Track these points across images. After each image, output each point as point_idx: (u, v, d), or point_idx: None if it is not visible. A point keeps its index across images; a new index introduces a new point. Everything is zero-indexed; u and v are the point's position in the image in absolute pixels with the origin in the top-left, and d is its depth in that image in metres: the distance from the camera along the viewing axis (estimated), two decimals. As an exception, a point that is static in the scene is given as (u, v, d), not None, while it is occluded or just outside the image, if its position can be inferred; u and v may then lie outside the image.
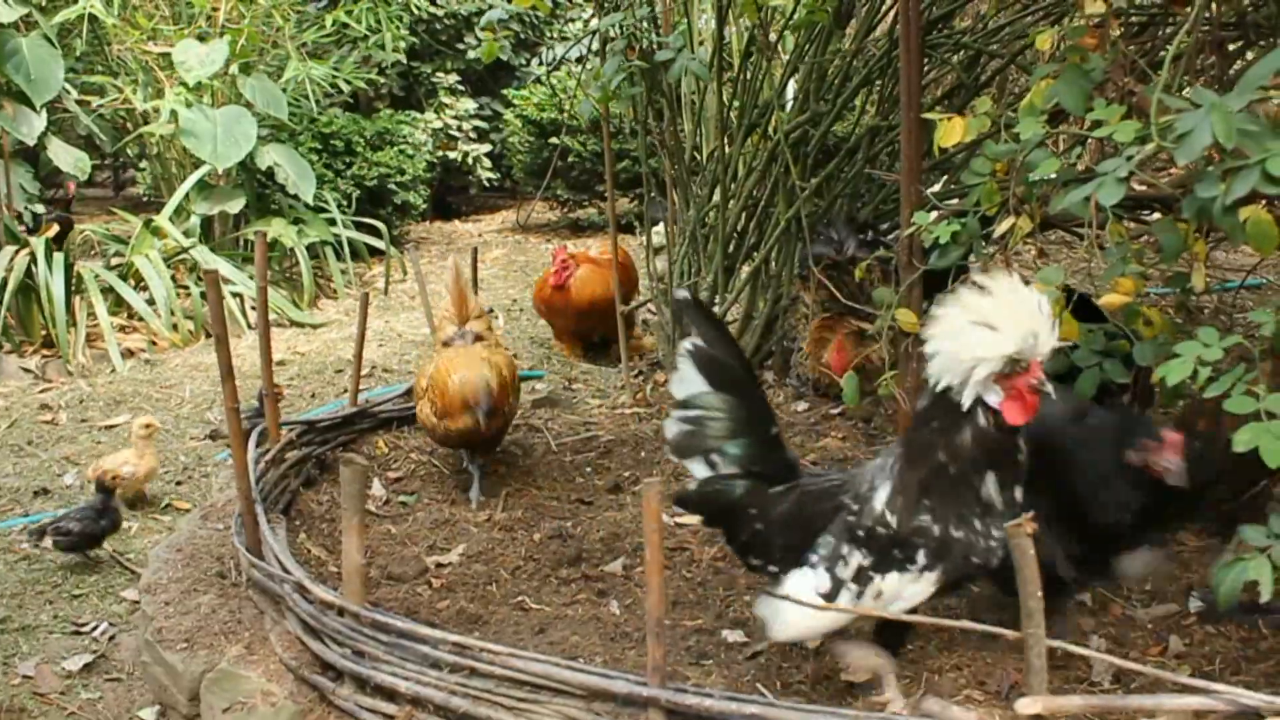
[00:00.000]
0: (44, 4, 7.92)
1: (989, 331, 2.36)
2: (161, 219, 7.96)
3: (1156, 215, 4.42)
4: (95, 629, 4.06)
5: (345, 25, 9.54)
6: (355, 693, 2.85)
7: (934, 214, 3.22)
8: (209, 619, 3.40)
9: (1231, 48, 3.82)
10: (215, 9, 8.55)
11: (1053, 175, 2.87)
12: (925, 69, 4.53)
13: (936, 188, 4.60)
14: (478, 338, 4.31)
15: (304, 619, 3.04)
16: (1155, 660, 2.82)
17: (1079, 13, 2.90)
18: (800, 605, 2.54)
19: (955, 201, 3.34)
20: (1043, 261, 3.09)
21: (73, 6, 8.00)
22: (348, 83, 9.62)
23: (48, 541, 4.46)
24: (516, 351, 6.71)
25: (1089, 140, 3.01)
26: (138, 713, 3.55)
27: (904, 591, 2.52)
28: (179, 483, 5.22)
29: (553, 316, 6.62)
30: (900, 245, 3.42)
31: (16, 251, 7.10)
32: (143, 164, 10.03)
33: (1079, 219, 2.72)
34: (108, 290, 7.36)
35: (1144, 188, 3.59)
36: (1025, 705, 2.11)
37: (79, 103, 8.63)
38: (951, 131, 3.05)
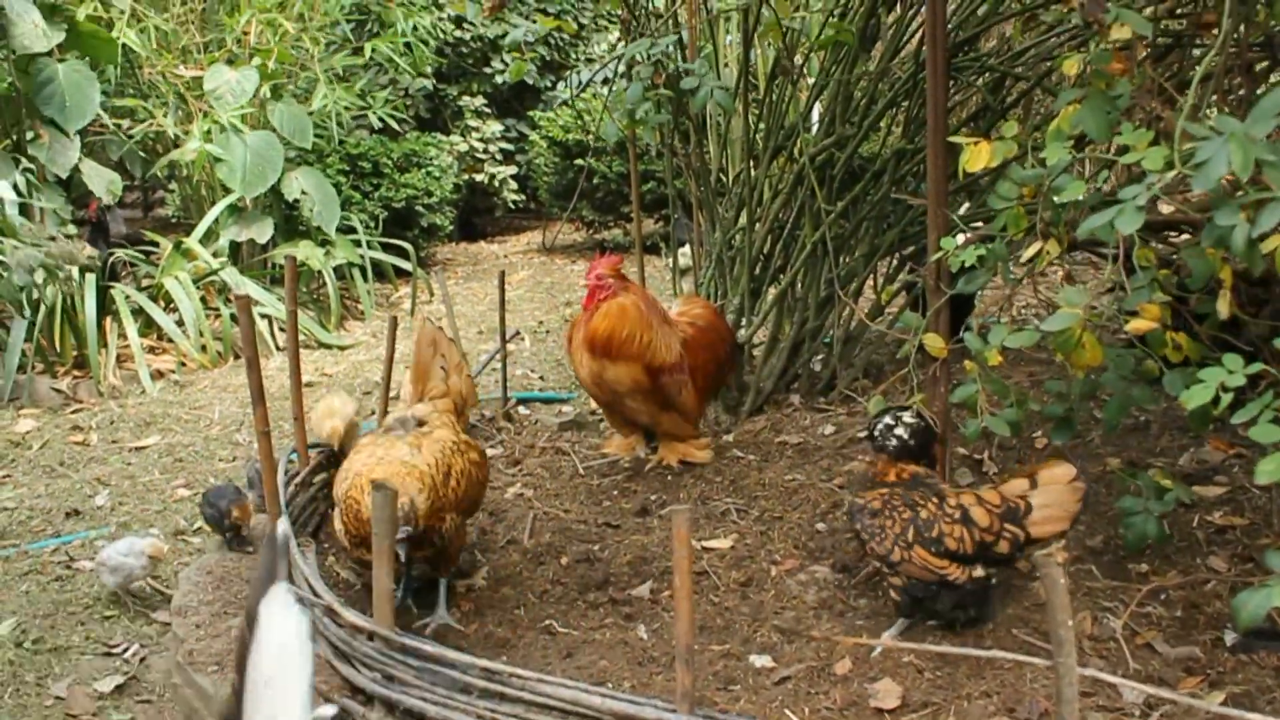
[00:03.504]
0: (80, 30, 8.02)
1: None
2: (191, 241, 8.03)
3: (1186, 237, 4.41)
4: (126, 650, 4.09)
5: (375, 50, 9.64)
6: (385, 717, 2.86)
7: (961, 238, 3.23)
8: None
9: (1259, 69, 3.81)
10: (245, 33, 8.64)
11: (1080, 199, 2.87)
12: (951, 91, 4.54)
13: (962, 211, 4.61)
14: (420, 423, 3.56)
15: (334, 643, 3.05)
16: (1188, 690, 2.80)
17: (1105, 37, 2.90)
18: None
19: (982, 225, 3.34)
20: (1070, 285, 3.08)
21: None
22: (380, 118, 9.72)
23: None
24: (543, 374, 6.74)
25: (1116, 163, 3.01)
26: (168, 735, 3.57)
27: None
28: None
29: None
30: (927, 269, 3.42)
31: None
32: (172, 185, 10.13)
33: (1106, 242, 2.71)
34: (138, 312, 7.43)
35: (1172, 210, 3.58)
36: (1056, 735, 2.10)
37: (110, 126, 8.73)
38: (978, 156, 3.06)
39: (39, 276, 6.75)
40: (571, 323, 4.54)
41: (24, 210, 7.43)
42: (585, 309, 4.39)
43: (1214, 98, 3.33)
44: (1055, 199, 2.90)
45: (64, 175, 7.81)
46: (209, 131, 8.04)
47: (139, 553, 4.33)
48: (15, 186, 7.12)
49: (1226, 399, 2.42)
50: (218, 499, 4.15)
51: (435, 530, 3.29)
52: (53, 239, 6.81)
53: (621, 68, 5.49)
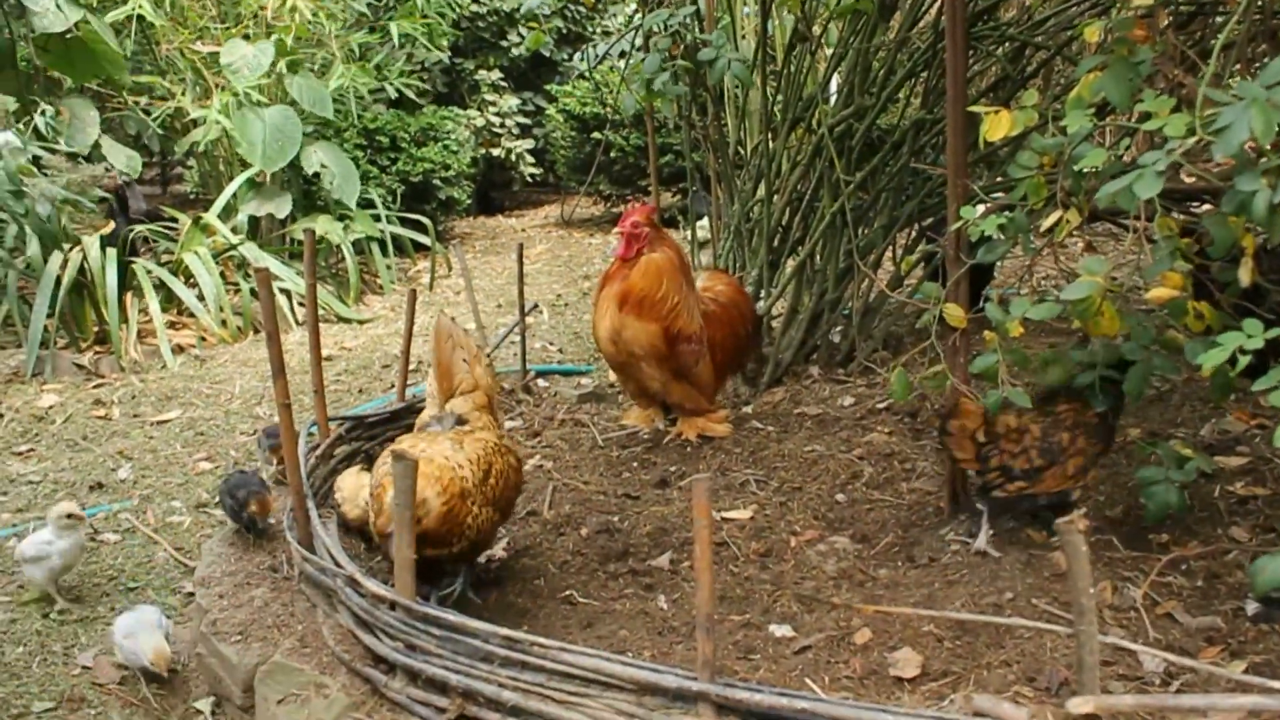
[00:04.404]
0: (94, 4, 8.03)
1: None
2: (210, 216, 8.05)
3: (1207, 208, 4.39)
4: (151, 621, 4.12)
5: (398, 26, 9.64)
6: (407, 686, 2.89)
7: (981, 208, 3.21)
8: (262, 612, 3.45)
9: (1283, 36, 3.77)
10: (263, 8, 8.64)
11: (1100, 166, 2.85)
12: (970, 61, 4.51)
13: (981, 183, 4.58)
14: (460, 421, 3.49)
15: (356, 612, 3.08)
16: (1209, 660, 2.79)
17: (1126, 4, 2.88)
18: None
19: (1001, 196, 3.32)
20: (1090, 255, 3.07)
21: (122, 7, 8.11)
22: (395, 89, 9.71)
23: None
24: (562, 347, 6.74)
25: (1138, 131, 2.99)
26: (193, 704, 3.60)
27: None
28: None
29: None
30: (947, 239, 3.41)
31: (70, 249, 7.21)
32: (190, 162, 10.15)
33: (1127, 212, 2.70)
34: (159, 286, 7.46)
35: (1193, 179, 3.56)
36: (1077, 704, 2.10)
37: (129, 103, 8.74)
38: (998, 125, 3.04)
39: (55, 214, 6.79)
40: (604, 274, 4.46)
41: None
42: (623, 259, 4.33)
43: (1237, 66, 3.30)
44: (1076, 167, 2.89)
45: (84, 153, 7.82)
46: (226, 106, 8.05)
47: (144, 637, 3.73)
48: (37, 129, 7.18)
49: (1244, 360, 2.41)
50: (237, 489, 3.99)
51: (470, 525, 3.19)
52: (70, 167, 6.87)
53: (639, 40, 5.48)
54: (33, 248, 6.97)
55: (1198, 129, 2.36)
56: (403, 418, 4.61)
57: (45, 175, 6.83)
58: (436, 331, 3.64)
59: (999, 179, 4.59)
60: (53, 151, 7.37)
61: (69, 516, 4.14)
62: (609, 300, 4.34)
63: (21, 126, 7.31)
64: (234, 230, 8.11)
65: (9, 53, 7.54)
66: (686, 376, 4.42)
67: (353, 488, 3.85)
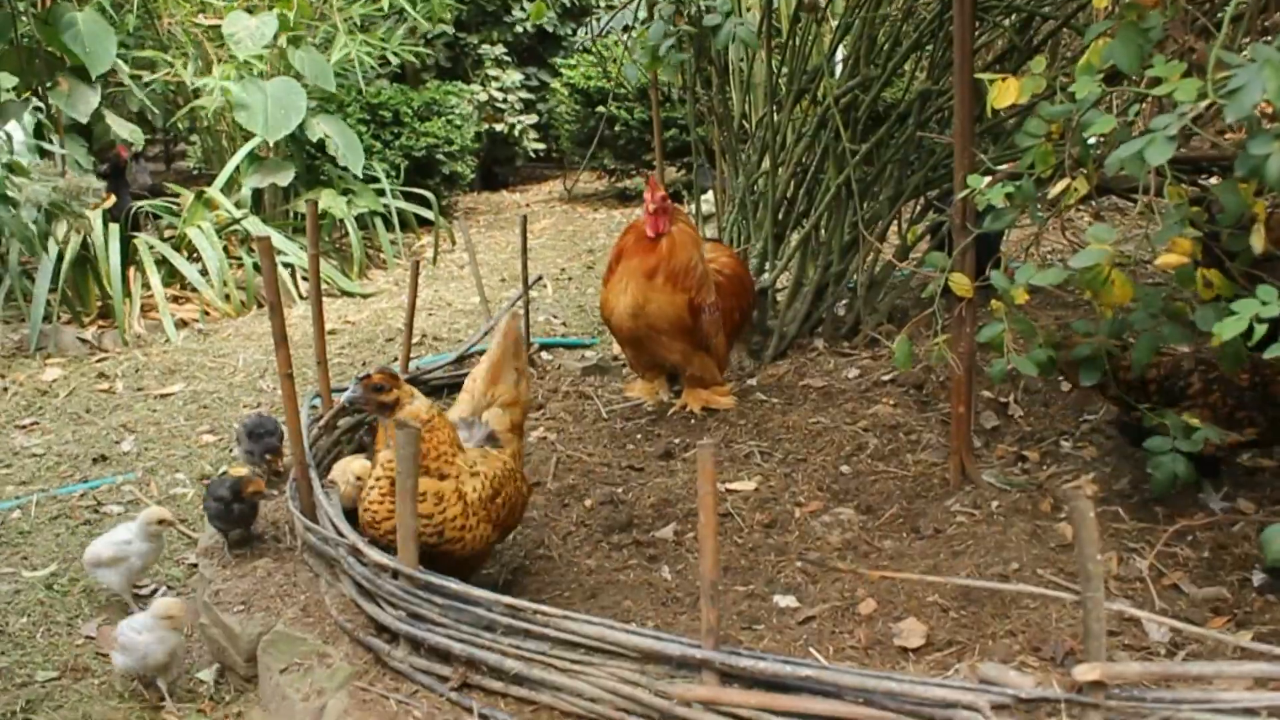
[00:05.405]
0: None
1: None
2: (213, 191, 8.02)
3: (1215, 180, 4.35)
4: (155, 592, 4.12)
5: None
6: (410, 654, 2.88)
7: (988, 177, 3.18)
8: (265, 582, 3.45)
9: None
10: (265, -19, 8.59)
11: (1107, 134, 2.82)
12: (977, 33, 4.47)
13: (988, 154, 4.55)
14: (490, 437, 3.33)
15: (359, 582, 3.07)
16: (1217, 628, 2.78)
17: (1137, -30, 2.83)
18: None
19: (1007, 167, 3.29)
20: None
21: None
22: (396, 55, 9.65)
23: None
24: (566, 320, 6.72)
25: (1147, 99, 2.95)
26: (197, 674, 3.59)
27: None
28: (232, 449, 5.28)
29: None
30: (954, 208, 3.38)
31: (70, 227, 7.18)
32: (193, 137, 10.10)
33: (1134, 184, 2.66)
34: (161, 261, 7.44)
35: (1205, 146, 3.52)
36: (1084, 671, 2.09)
37: (131, 77, 8.69)
38: (1006, 92, 3.00)
39: (43, 216, 6.69)
40: (617, 248, 4.39)
41: (44, 156, 7.42)
42: (659, 232, 4.27)
43: (1246, 39, 3.26)
44: (1084, 135, 2.85)
45: (84, 120, 7.77)
46: (228, 76, 8.00)
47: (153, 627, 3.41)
48: (29, 128, 7.10)
49: (1261, 330, 2.38)
50: (218, 489, 3.72)
51: (459, 537, 3.07)
52: (62, 174, 6.77)
53: (643, 11, 5.44)
54: (13, 248, 6.88)
55: (1209, 92, 2.33)
56: (406, 390, 4.59)
57: (33, 180, 6.67)
58: (506, 330, 3.48)
59: (1006, 150, 4.56)
60: (45, 154, 7.29)
61: (159, 522, 3.87)
62: (630, 275, 4.28)
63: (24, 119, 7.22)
64: (237, 205, 8.08)
65: (8, 26, 7.47)
66: (707, 346, 4.41)
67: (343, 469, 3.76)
